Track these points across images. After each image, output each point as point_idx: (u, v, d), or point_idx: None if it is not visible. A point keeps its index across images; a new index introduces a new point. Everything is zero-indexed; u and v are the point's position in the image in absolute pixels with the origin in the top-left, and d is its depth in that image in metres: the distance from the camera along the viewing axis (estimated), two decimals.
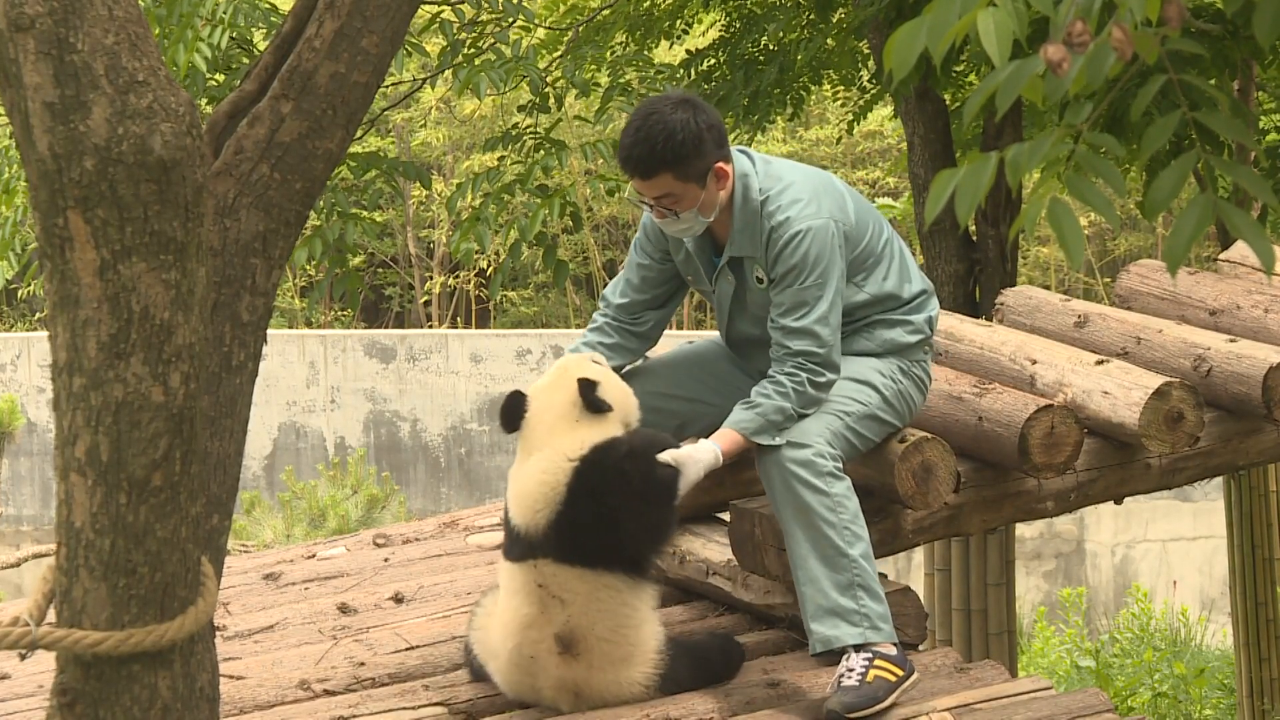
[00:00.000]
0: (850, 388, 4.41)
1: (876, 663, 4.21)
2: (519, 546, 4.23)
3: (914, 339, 4.53)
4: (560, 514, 4.18)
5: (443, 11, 7.49)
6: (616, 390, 4.36)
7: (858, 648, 4.24)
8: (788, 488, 4.28)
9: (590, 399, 4.26)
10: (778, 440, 4.31)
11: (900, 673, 4.23)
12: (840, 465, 4.32)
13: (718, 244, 4.50)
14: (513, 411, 4.33)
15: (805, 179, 4.42)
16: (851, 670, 4.21)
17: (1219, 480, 7.54)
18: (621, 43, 9.37)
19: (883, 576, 4.65)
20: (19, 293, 20.76)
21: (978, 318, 6.41)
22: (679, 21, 9.63)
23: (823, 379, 4.35)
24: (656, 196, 4.34)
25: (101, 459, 2.80)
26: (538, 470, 4.22)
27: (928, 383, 4.60)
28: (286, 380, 17.04)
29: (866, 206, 4.51)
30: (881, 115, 16.71)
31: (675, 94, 4.41)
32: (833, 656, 4.35)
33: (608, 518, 4.17)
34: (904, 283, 4.53)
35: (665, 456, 4.23)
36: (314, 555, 5.62)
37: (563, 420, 4.27)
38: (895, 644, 4.29)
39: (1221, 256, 6.17)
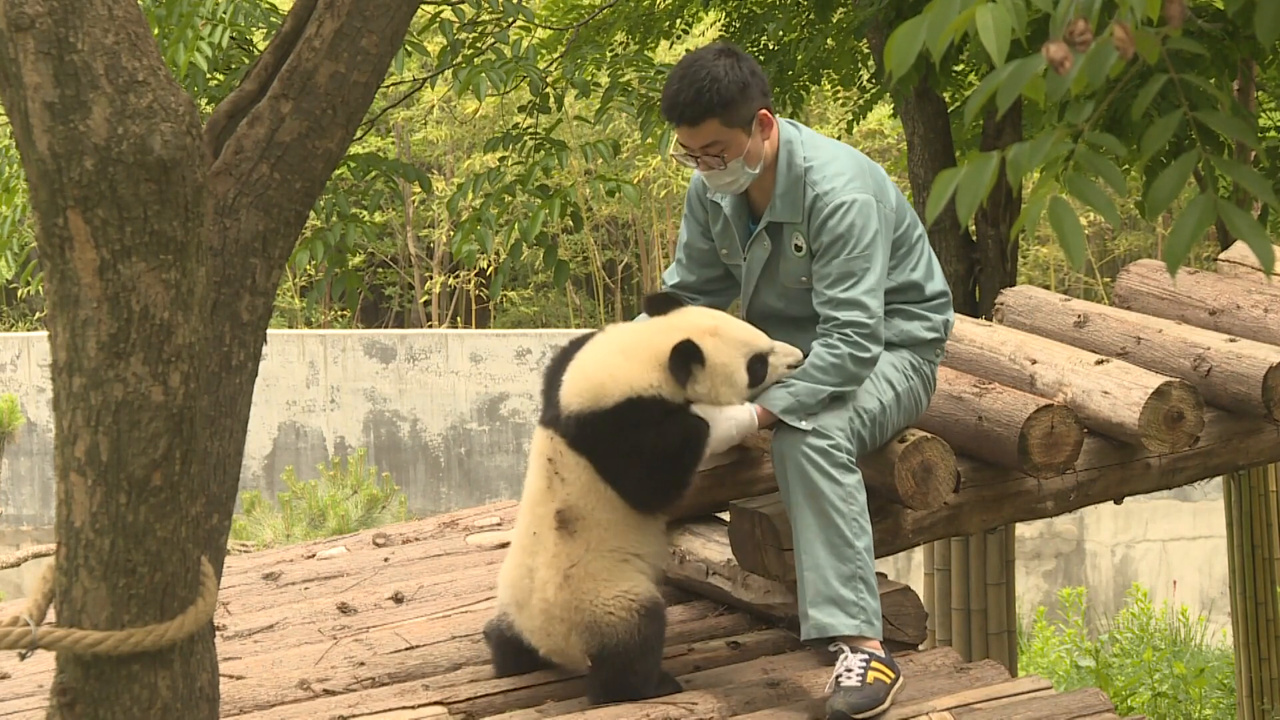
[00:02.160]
0: (869, 385, 4.41)
1: (873, 664, 4.21)
2: (550, 412, 4.34)
3: (929, 336, 4.53)
4: (591, 418, 4.25)
5: (443, 11, 7.48)
6: (717, 386, 4.32)
7: (854, 648, 4.24)
8: (802, 473, 4.28)
9: (675, 364, 4.26)
10: (804, 425, 4.31)
11: (892, 675, 4.24)
12: (854, 461, 4.33)
13: (755, 212, 4.51)
14: (663, 307, 4.40)
15: (850, 156, 4.44)
16: (850, 671, 4.21)
17: (1219, 480, 7.54)
18: (621, 43, 9.37)
19: (882, 576, 4.65)
20: (19, 293, 20.76)
21: (978, 318, 6.41)
22: (679, 21, 9.63)
23: (867, 354, 4.33)
24: (703, 145, 4.34)
25: (101, 459, 2.80)
26: (609, 370, 4.28)
27: (934, 385, 4.61)
28: (286, 380, 17.04)
29: (903, 198, 4.53)
30: (881, 115, 16.71)
31: (715, 45, 4.43)
32: (825, 652, 4.34)
33: (622, 451, 4.24)
34: (929, 279, 4.54)
35: (699, 408, 4.28)
36: (314, 555, 5.62)
37: (658, 356, 4.28)
38: (884, 646, 4.29)
39: (1221, 256, 6.16)
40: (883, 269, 4.36)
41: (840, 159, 4.40)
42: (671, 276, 4.71)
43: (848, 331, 4.32)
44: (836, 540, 4.26)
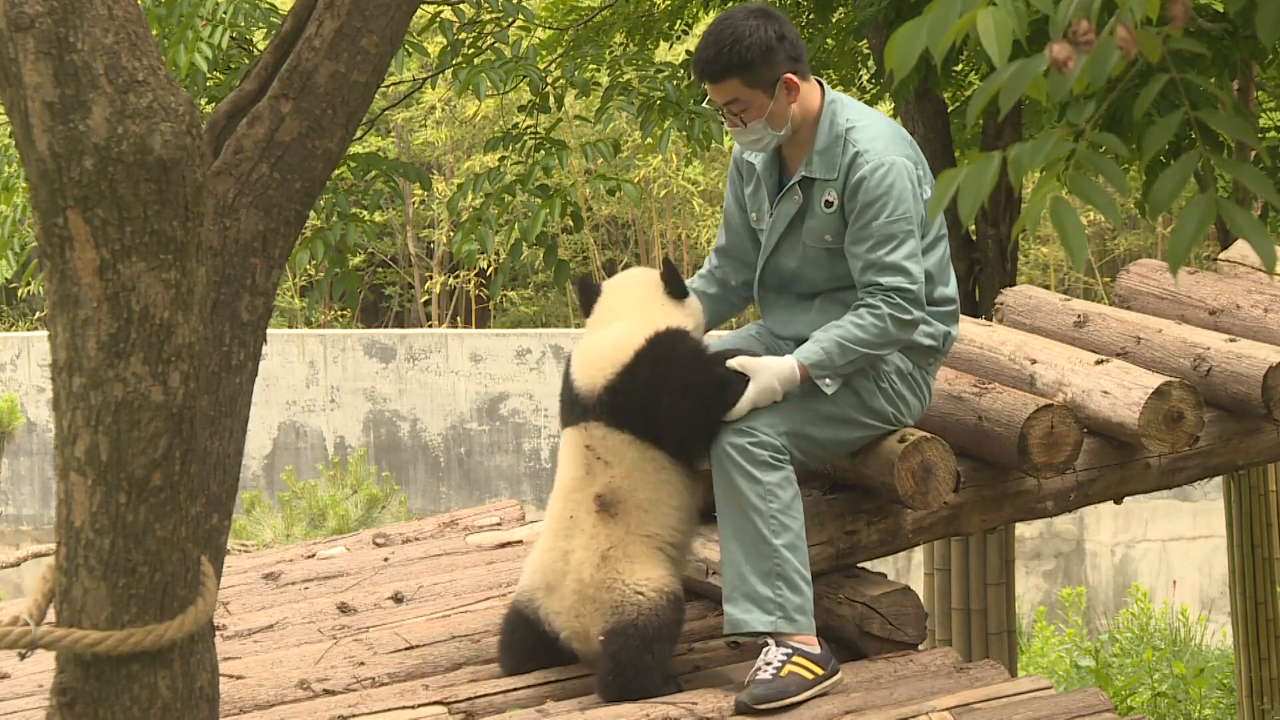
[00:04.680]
0: (824, 383, 4.40)
1: (795, 659, 4.23)
2: (575, 411, 4.39)
3: (926, 343, 4.50)
4: (620, 379, 4.32)
5: (443, 11, 7.48)
6: (693, 298, 4.55)
7: (778, 642, 4.25)
8: (722, 470, 4.31)
9: (672, 280, 4.45)
10: (828, 385, 4.34)
11: (819, 671, 4.24)
12: (782, 457, 4.31)
13: (787, 171, 4.54)
14: (588, 296, 4.55)
15: (893, 126, 4.47)
16: (769, 664, 4.23)
17: (1219, 480, 7.54)
18: (621, 43, 9.37)
19: (882, 576, 4.64)
20: (19, 292, 20.76)
21: (978, 318, 6.41)
22: (679, 22, 9.63)
23: (909, 316, 4.33)
24: (725, 103, 4.41)
25: (101, 458, 2.80)
26: (612, 335, 4.38)
27: (928, 393, 4.57)
28: (286, 380, 17.04)
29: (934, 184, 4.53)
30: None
31: (752, 4, 4.47)
32: (755, 648, 4.35)
33: (661, 395, 4.30)
34: (942, 281, 4.52)
35: (735, 363, 4.32)
36: (314, 555, 5.62)
37: (645, 301, 4.45)
38: (821, 642, 4.29)
39: (1221, 256, 6.16)
40: (920, 236, 4.37)
41: (881, 124, 4.44)
42: (717, 240, 4.78)
43: (891, 294, 4.32)
44: (754, 537, 4.28)
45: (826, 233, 4.44)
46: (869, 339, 4.33)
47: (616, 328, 4.40)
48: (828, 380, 4.35)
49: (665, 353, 4.34)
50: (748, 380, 4.30)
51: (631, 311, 4.44)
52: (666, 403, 4.30)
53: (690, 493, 4.39)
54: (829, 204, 4.42)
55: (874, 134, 4.39)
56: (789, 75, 4.37)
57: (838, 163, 4.39)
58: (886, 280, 4.32)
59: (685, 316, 4.46)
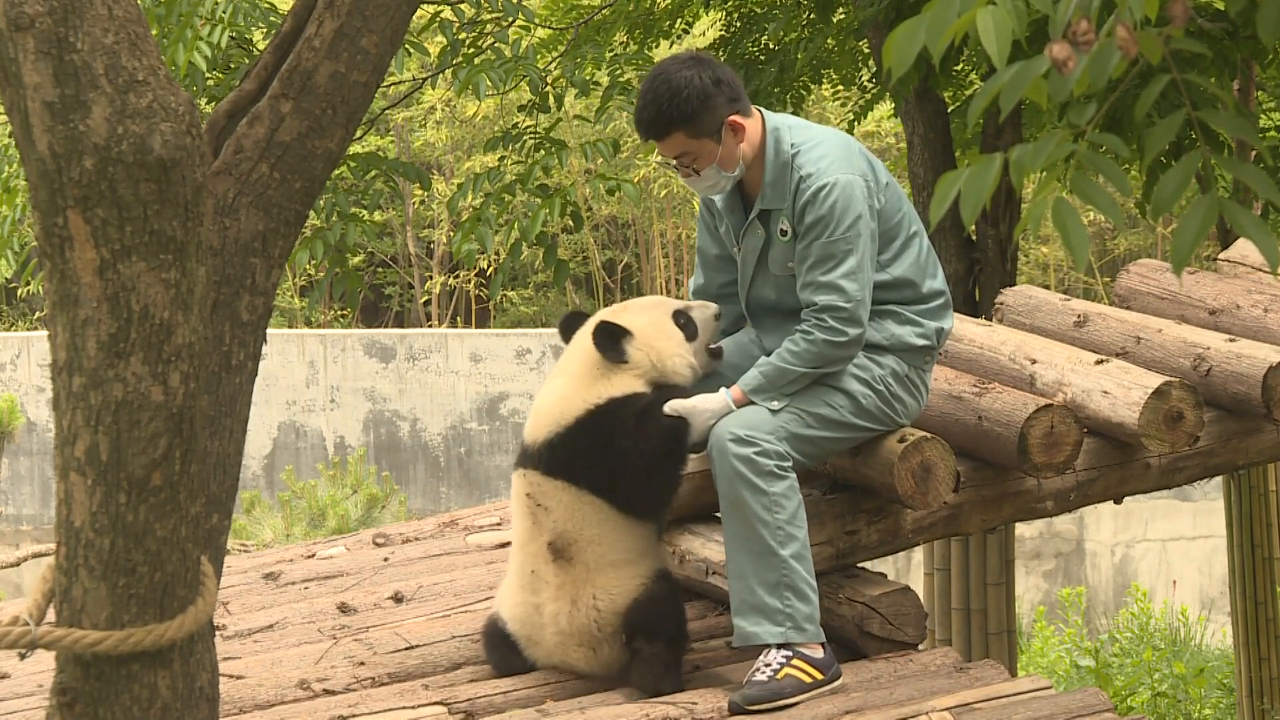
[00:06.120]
0: (821, 390, 4.40)
1: (794, 661, 4.24)
2: (520, 453, 4.44)
3: (919, 343, 4.50)
4: (560, 439, 4.32)
5: (443, 11, 7.48)
6: (653, 344, 4.40)
7: (779, 645, 4.25)
8: (727, 481, 4.30)
9: (602, 345, 4.36)
10: (775, 405, 4.34)
11: (819, 675, 4.24)
12: (786, 465, 4.32)
13: (748, 203, 4.53)
14: (569, 329, 4.53)
15: (837, 139, 4.44)
16: (767, 665, 4.24)
17: (1219, 480, 7.54)
18: (622, 42, 9.36)
19: (882, 576, 4.64)
20: (19, 292, 20.75)
21: (978, 318, 6.40)
22: (679, 21, 9.63)
23: (843, 338, 4.33)
24: (675, 156, 4.40)
25: (101, 458, 2.80)
26: (559, 395, 4.37)
27: (924, 391, 4.57)
28: (286, 380, 17.04)
29: (899, 189, 4.52)
30: (881, 115, 16.71)
31: (682, 54, 4.46)
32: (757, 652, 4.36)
33: (606, 464, 4.29)
34: (926, 278, 4.51)
35: (671, 407, 4.30)
36: (314, 555, 5.62)
37: (591, 359, 4.37)
38: (825, 646, 4.30)
39: (1221, 256, 6.16)
40: (866, 250, 4.35)
41: (826, 142, 4.41)
42: (694, 282, 4.75)
43: (824, 316, 4.33)
44: (760, 549, 4.28)
45: (788, 260, 4.45)
46: (802, 363, 4.35)
47: (566, 388, 4.37)
48: (774, 403, 4.36)
49: (608, 432, 4.30)
50: (685, 423, 4.33)
51: (580, 369, 4.39)
52: (613, 478, 4.31)
53: (639, 524, 4.40)
54: (784, 232, 4.43)
55: (819, 154, 4.38)
56: (732, 117, 4.36)
57: (788, 190, 4.40)
58: (821, 299, 4.34)
59: (632, 379, 4.38)
